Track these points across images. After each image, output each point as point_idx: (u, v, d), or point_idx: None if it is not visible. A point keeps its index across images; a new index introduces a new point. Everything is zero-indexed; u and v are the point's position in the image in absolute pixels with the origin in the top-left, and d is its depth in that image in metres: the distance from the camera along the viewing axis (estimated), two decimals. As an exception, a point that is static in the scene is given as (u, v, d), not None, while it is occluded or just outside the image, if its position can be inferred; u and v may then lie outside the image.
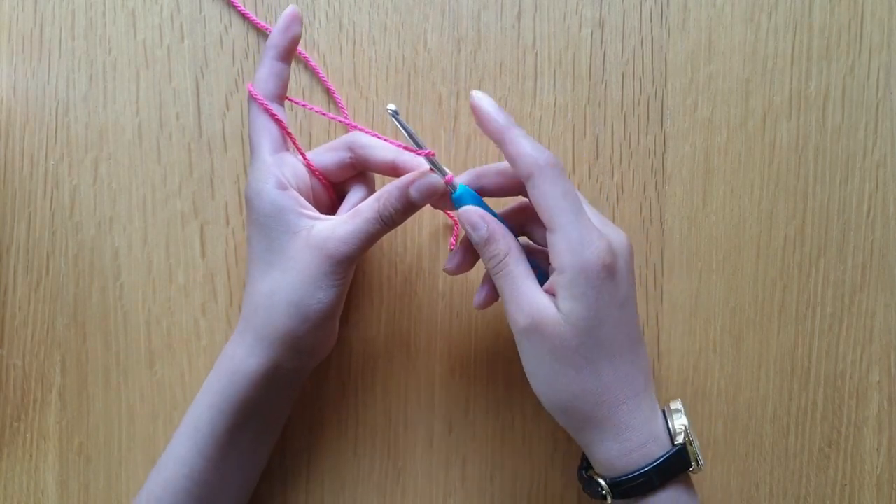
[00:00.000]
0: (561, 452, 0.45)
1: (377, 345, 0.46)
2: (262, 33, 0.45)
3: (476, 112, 0.37)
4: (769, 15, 0.45)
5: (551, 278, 0.36)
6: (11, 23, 0.45)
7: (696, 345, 0.45)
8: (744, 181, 0.45)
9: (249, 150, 0.40)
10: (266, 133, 0.39)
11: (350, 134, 0.41)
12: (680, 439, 0.36)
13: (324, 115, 0.41)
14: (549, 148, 0.45)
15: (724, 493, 0.45)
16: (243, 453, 0.40)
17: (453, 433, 0.45)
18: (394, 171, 0.40)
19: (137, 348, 0.46)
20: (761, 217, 0.45)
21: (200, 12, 0.45)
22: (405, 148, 0.39)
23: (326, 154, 0.41)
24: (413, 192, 0.38)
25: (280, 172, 0.38)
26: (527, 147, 0.36)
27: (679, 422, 0.37)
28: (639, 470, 0.35)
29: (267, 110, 0.39)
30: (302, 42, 0.45)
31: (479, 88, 0.45)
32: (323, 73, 0.45)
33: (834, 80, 0.45)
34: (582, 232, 0.35)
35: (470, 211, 0.37)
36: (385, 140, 0.39)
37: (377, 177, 0.43)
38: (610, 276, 0.35)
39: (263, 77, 0.39)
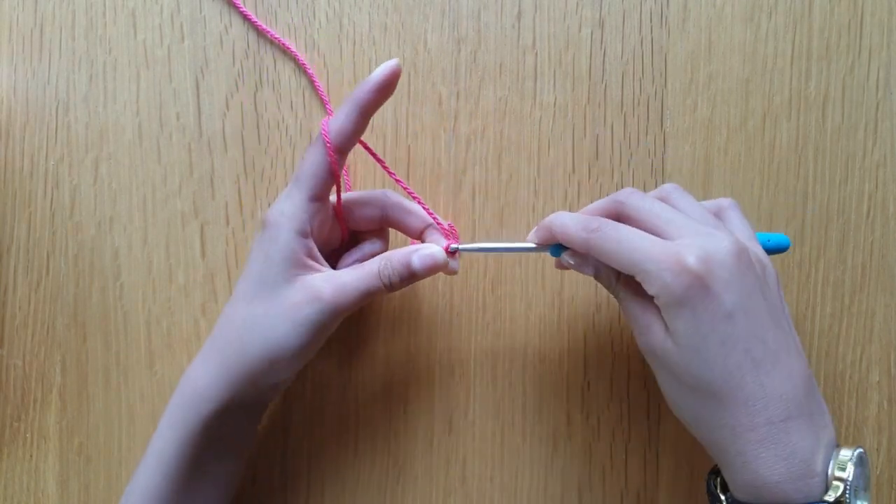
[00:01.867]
0: (561, 452, 0.45)
1: (377, 345, 0.46)
2: (262, 34, 0.45)
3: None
4: (769, 15, 0.45)
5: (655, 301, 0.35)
6: (11, 23, 0.45)
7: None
8: (744, 181, 0.45)
9: (294, 176, 0.38)
10: (318, 178, 0.37)
11: (384, 192, 0.41)
12: (831, 496, 0.31)
13: (393, 177, 0.42)
14: (549, 148, 0.45)
15: (724, 493, 0.45)
16: (211, 480, 0.40)
17: (453, 433, 0.45)
18: (420, 239, 0.41)
19: (137, 348, 0.46)
20: (761, 217, 0.45)
21: (200, 12, 0.45)
22: (433, 217, 0.40)
23: (358, 207, 0.41)
24: (416, 260, 0.38)
25: (308, 220, 0.38)
26: (568, 226, 0.36)
27: (841, 472, 0.32)
28: None
29: (331, 158, 0.37)
30: (301, 42, 0.45)
31: (479, 88, 0.45)
32: (323, 74, 0.45)
33: (834, 80, 0.45)
34: (657, 257, 0.33)
35: (568, 255, 0.38)
36: (420, 204, 0.40)
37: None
38: (704, 288, 0.32)
39: (343, 126, 0.37)
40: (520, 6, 0.45)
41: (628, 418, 0.45)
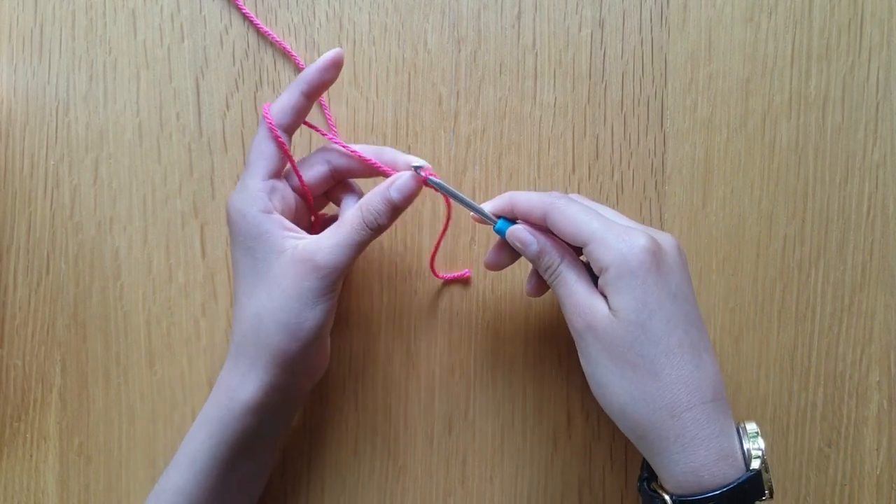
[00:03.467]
0: (561, 452, 0.45)
1: (377, 345, 0.46)
2: (262, 34, 0.45)
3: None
4: (769, 15, 0.45)
5: (599, 281, 0.36)
6: (11, 23, 0.45)
7: (696, 345, 0.45)
8: (744, 181, 0.45)
9: (244, 166, 0.39)
10: (266, 159, 0.39)
11: (323, 146, 0.41)
12: (756, 464, 0.34)
13: (344, 146, 0.41)
14: (549, 148, 0.45)
15: (724, 493, 0.45)
16: (241, 481, 0.40)
17: (453, 433, 0.45)
18: (373, 170, 0.40)
19: (137, 348, 0.46)
20: (761, 217, 0.45)
21: (200, 12, 0.45)
22: (378, 169, 0.39)
23: (306, 171, 0.41)
24: (393, 192, 0.38)
25: (268, 198, 0.38)
26: (531, 196, 0.38)
27: (756, 444, 0.34)
28: (709, 493, 0.33)
29: (276, 138, 0.38)
30: (301, 42, 0.45)
31: (480, 88, 0.45)
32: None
33: (834, 80, 0.45)
34: (616, 230, 0.35)
35: (518, 230, 0.38)
36: (360, 155, 0.40)
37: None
38: (656, 264, 0.34)
39: (283, 107, 0.39)
40: (520, 6, 0.45)
41: (628, 418, 0.45)
